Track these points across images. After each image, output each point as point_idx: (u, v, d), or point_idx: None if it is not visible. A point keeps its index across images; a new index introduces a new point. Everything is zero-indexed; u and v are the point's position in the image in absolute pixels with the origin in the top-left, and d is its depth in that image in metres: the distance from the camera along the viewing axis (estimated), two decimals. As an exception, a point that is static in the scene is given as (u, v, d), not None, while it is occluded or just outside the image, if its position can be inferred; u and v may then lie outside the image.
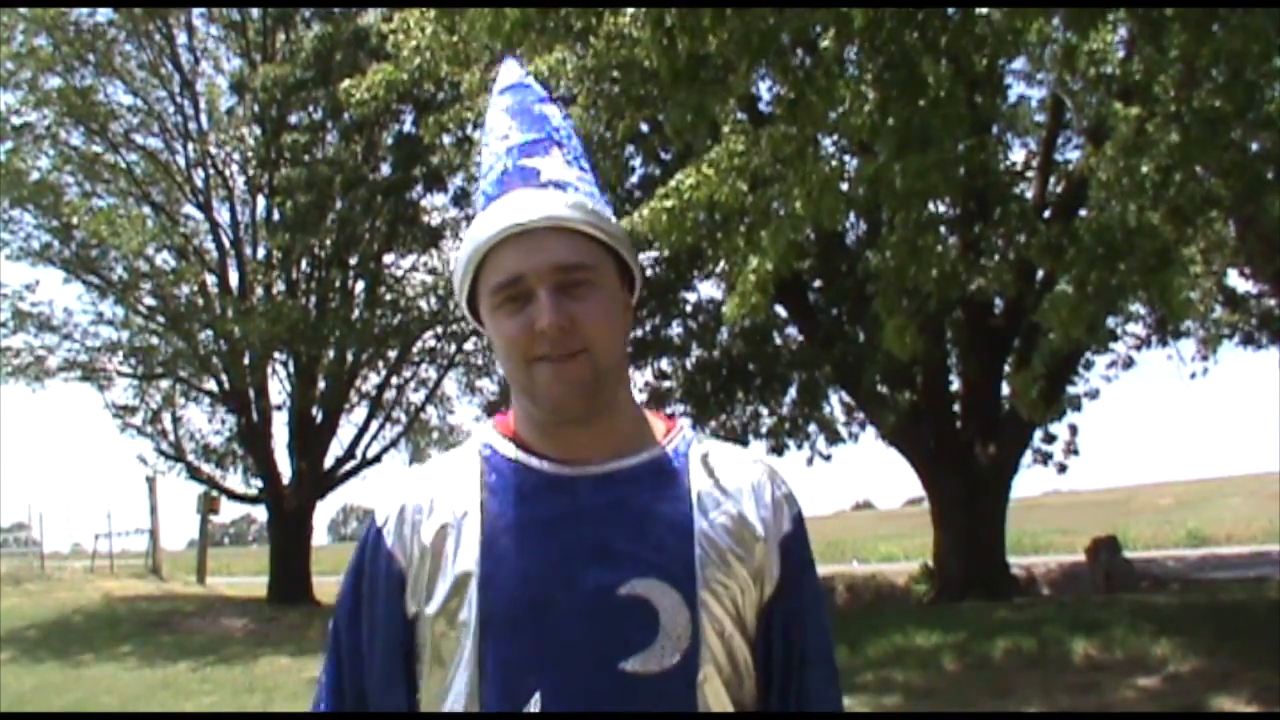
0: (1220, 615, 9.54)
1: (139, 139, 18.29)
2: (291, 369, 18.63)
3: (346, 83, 11.78)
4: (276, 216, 17.66)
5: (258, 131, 18.05)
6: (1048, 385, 10.53)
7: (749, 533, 1.35)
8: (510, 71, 1.53)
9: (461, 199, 18.30)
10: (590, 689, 1.26)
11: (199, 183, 18.24)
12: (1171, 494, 40.66)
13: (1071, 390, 15.52)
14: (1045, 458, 16.47)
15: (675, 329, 17.42)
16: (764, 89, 11.62)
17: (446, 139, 14.02)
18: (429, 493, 1.39)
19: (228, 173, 18.55)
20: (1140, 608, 10.26)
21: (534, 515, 1.33)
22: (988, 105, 10.26)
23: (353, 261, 18.56)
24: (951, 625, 10.02)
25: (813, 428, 17.23)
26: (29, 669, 12.62)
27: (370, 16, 15.88)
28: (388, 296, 19.06)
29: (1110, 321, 14.48)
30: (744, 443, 16.68)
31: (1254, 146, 7.97)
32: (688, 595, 1.29)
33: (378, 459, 19.81)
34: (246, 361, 17.47)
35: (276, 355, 18.19)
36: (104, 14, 17.30)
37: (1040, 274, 11.06)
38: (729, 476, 1.39)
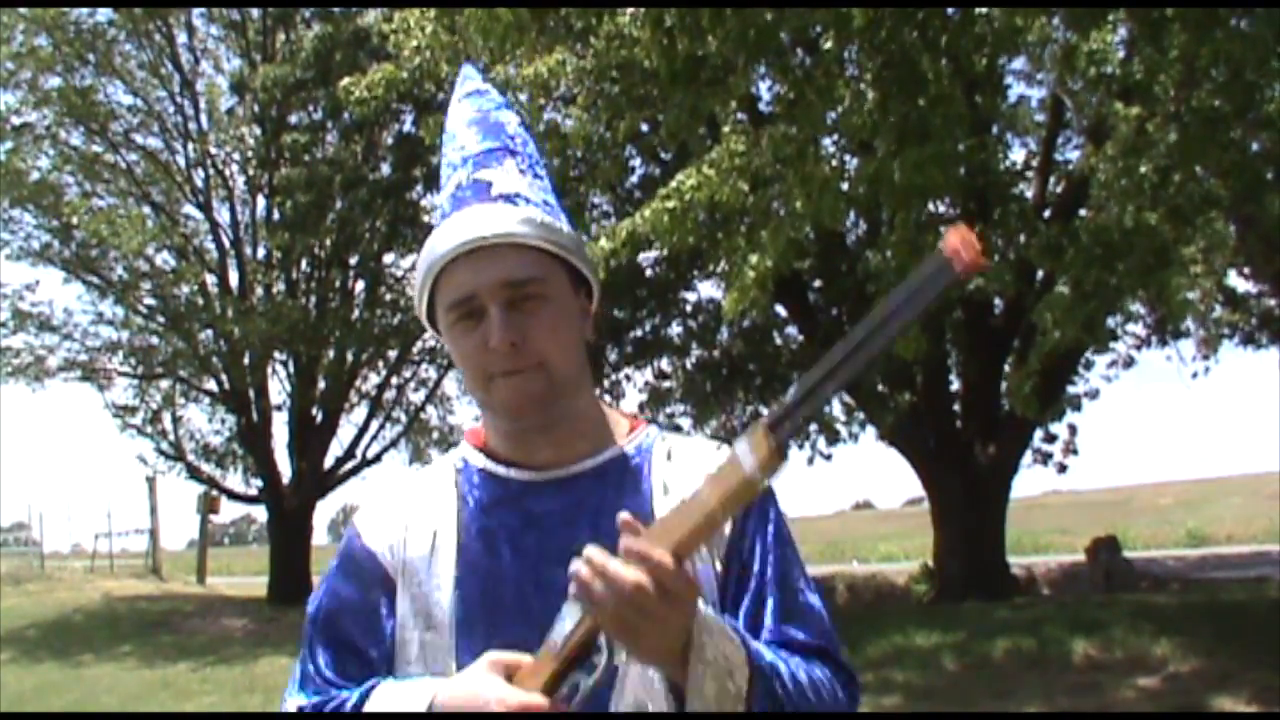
0: (1220, 615, 9.54)
1: (139, 139, 18.30)
2: (291, 369, 18.63)
3: (346, 81, 11.78)
4: (276, 216, 17.66)
5: (258, 131, 18.05)
6: (1044, 383, 10.52)
7: None
8: (467, 79, 1.55)
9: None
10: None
11: (199, 183, 18.24)
12: (1171, 494, 40.67)
13: (1071, 390, 15.51)
14: (1045, 458, 16.47)
15: (675, 329, 17.43)
16: (764, 89, 11.63)
17: (446, 139, 14.00)
18: (407, 501, 1.45)
19: (228, 173, 18.56)
20: (1140, 608, 10.26)
21: (504, 522, 1.39)
22: (988, 105, 10.27)
23: (353, 261, 18.56)
24: (951, 625, 10.02)
25: (813, 427, 17.22)
26: (29, 669, 12.63)
27: (370, 16, 15.88)
28: (388, 296, 19.06)
29: (1110, 321, 14.47)
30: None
31: (1254, 146, 7.97)
32: None
33: (378, 459, 19.83)
34: (246, 361, 17.47)
35: (276, 355, 18.19)
36: (104, 14, 17.31)
37: (1040, 274, 11.06)
38: (691, 464, 1.41)
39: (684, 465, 1.42)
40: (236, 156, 18.71)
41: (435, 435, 21.74)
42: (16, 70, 16.53)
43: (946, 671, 8.88)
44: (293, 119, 17.54)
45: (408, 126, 17.15)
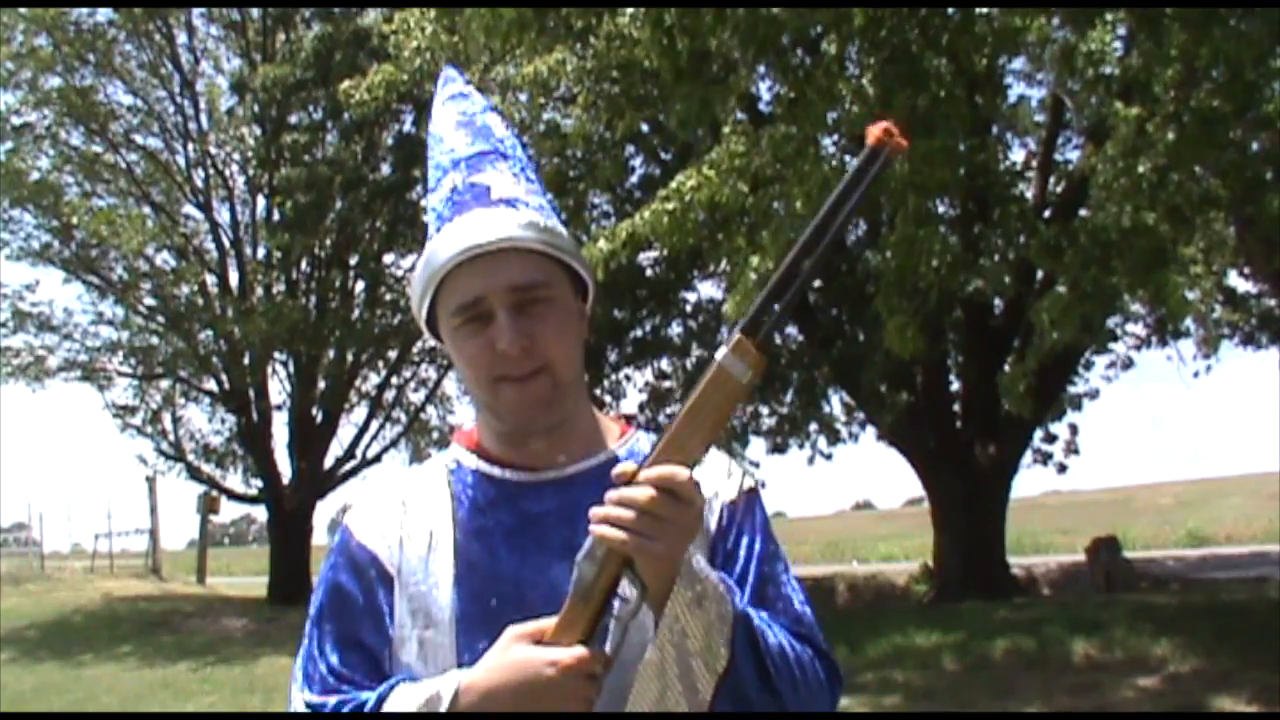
0: (1220, 615, 9.54)
1: (139, 139, 18.31)
2: (291, 369, 18.63)
3: (346, 83, 11.79)
4: (276, 216, 17.66)
5: (258, 131, 18.05)
6: (1041, 383, 10.52)
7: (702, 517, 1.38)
8: (449, 82, 1.55)
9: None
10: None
11: (199, 183, 18.24)
12: (1171, 494, 40.68)
13: (1071, 390, 15.53)
14: (1045, 458, 16.49)
15: (675, 329, 17.43)
16: (764, 89, 11.63)
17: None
18: (400, 502, 1.45)
19: (228, 173, 18.57)
20: (1140, 608, 10.26)
21: (500, 521, 1.40)
22: (988, 105, 10.25)
23: (353, 261, 18.57)
24: (951, 625, 10.02)
25: (813, 427, 17.24)
26: (29, 669, 12.63)
27: (370, 17, 15.89)
28: (388, 296, 19.05)
29: (1110, 321, 14.47)
30: (744, 442, 16.72)
31: (1253, 146, 7.96)
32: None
33: (378, 459, 19.84)
34: (246, 361, 17.48)
35: (276, 355, 18.19)
36: (104, 14, 17.32)
37: (1040, 274, 11.06)
38: None
39: None
40: (236, 156, 18.73)
41: (435, 435, 21.73)
42: (16, 70, 16.54)
43: (946, 671, 8.88)
44: (293, 119, 17.54)
45: (408, 127, 17.18)
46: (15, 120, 16.94)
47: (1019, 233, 9.94)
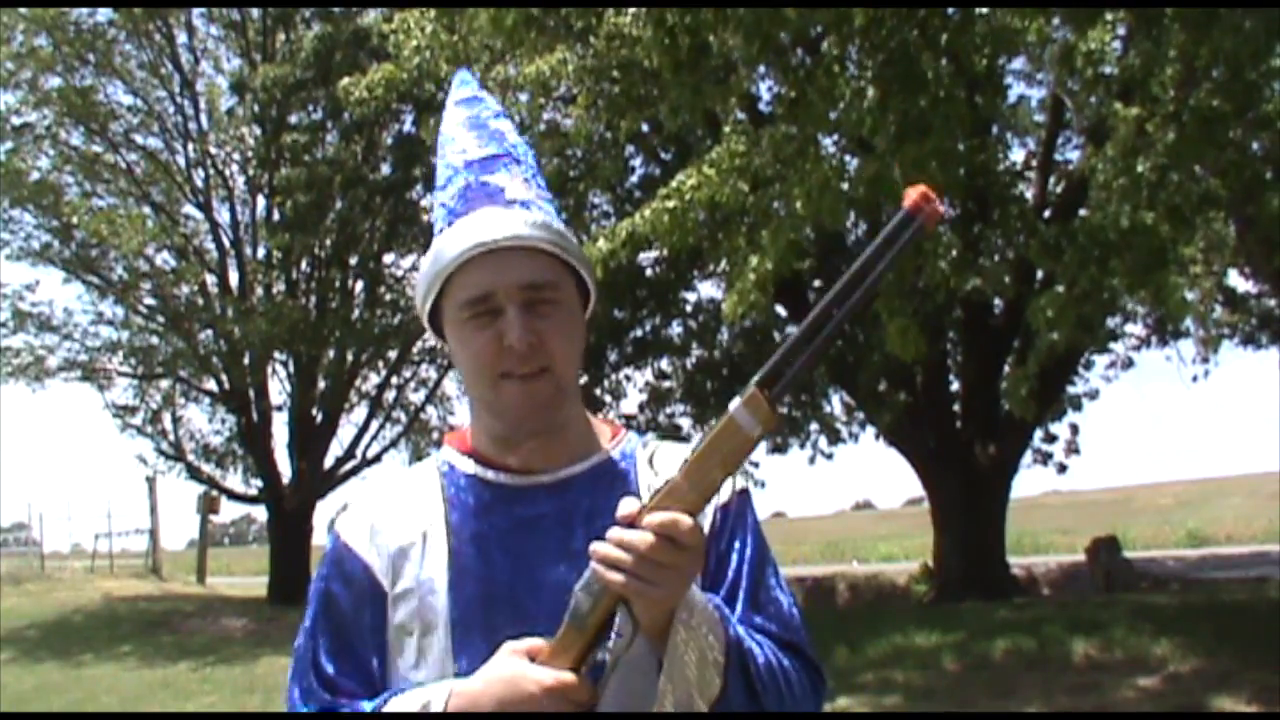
0: (1220, 615, 9.54)
1: (139, 139, 18.31)
2: (291, 369, 18.63)
3: (345, 81, 11.79)
4: (276, 216, 17.66)
5: (258, 131, 18.05)
6: (1042, 384, 10.52)
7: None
8: (463, 84, 1.56)
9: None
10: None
11: (199, 183, 18.25)
12: (1171, 494, 40.69)
13: (1071, 390, 15.53)
14: (1045, 458, 16.49)
15: (675, 329, 17.42)
16: (764, 89, 11.63)
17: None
18: (392, 506, 1.45)
19: (228, 173, 18.57)
20: (1140, 608, 10.26)
21: (495, 525, 1.40)
22: (988, 105, 10.25)
23: (353, 261, 18.56)
24: (951, 625, 10.02)
25: (813, 427, 17.24)
26: (29, 669, 12.63)
27: (370, 16, 15.89)
28: (388, 296, 19.06)
29: (1110, 322, 14.48)
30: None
31: (1253, 146, 7.96)
32: None
33: (378, 459, 19.83)
34: (246, 361, 17.47)
35: (276, 355, 18.19)
36: (104, 14, 17.32)
37: (1040, 275, 11.06)
38: (674, 468, 1.42)
39: (666, 468, 1.42)
40: (236, 156, 18.73)
41: (435, 435, 21.72)
42: (16, 70, 16.54)
43: (946, 671, 8.88)
44: (293, 119, 17.53)
45: (408, 126, 17.16)
46: (15, 120, 16.95)
47: (1019, 233, 9.95)
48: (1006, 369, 13.08)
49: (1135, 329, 16.72)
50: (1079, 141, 13.45)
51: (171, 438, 19.31)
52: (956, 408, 13.98)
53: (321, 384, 18.88)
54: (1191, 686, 7.74)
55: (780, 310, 14.69)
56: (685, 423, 17.35)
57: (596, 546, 1.23)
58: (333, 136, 17.74)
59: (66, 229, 16.98)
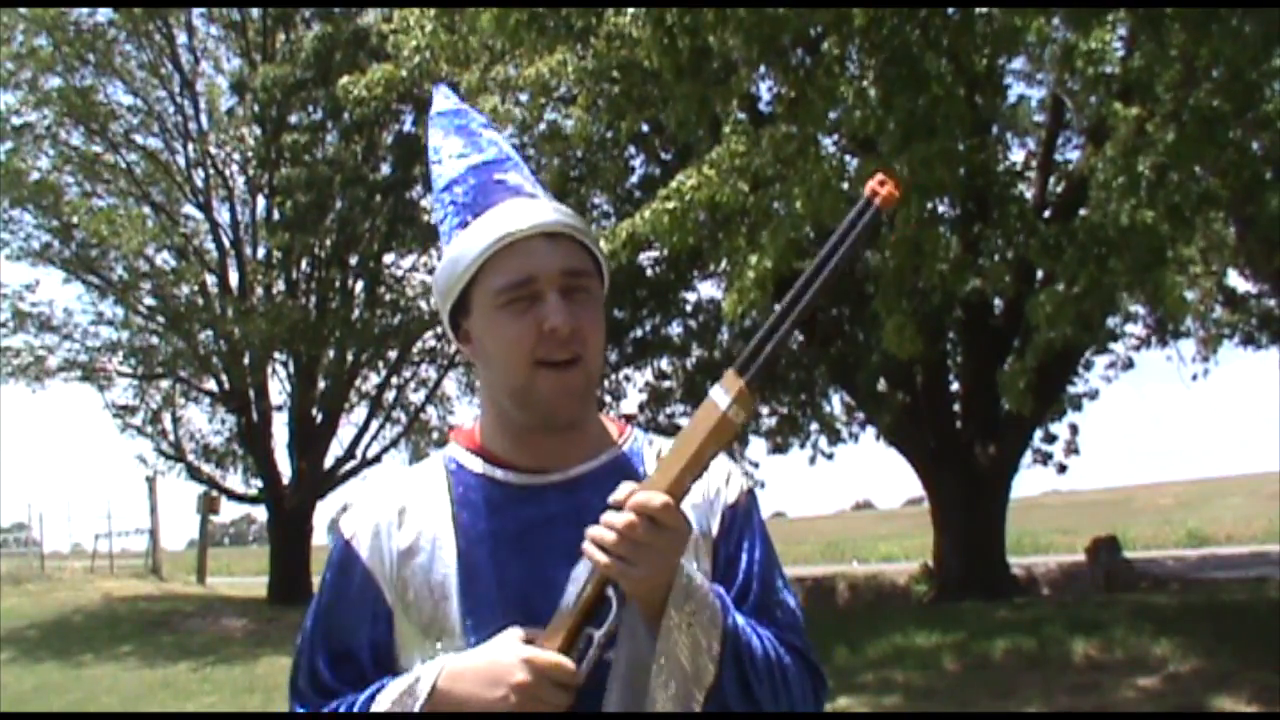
0: (1220, 615, 9.54)
1: (139, 139, 18.30)
2: (291, 369, 18.62)
3: (345, 80, 11.78)
4: (276, 216, 17.65)
5: (258, 131, 18.04)
6: (1040, 382, 10.52)
7: (702, 516, 1.41)
8: (444, 98, 1.56)
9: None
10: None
11: (199, 183, 18.24)
12: (1171, 494, 40.70)
13: (1071, 390, 15.52)
14: (1045, 458, 16.48)
15: (675, 329, 17.42)
16: (764, 89, 11.63)
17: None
18: (398, 507, 1.43)
19: (228, 173, 18.56)
20: (1140, 608, 10.26)
21: (505, 525, 1.38)
22: (988, 105, 10.27)
23: (353, 261, 18.55)
24: (951, 625, 10.02)
25: (813, 427, 17.24)
26: (29, 669, 12.62)
27: (370, 16, 15.89)
28: (388, 296, 19.06)
29: (1110, 321, 14.47)
30: (744, 441, 16.72)
31: (1253, 146, 7.96)
32: None
33: (378, 459, 19.82)
34: (246, 361, 17.47)
35: (276, 355, 18.18)
36: (104, 14, 17.32)
37: (1041, 274, 11.06)
38: None
39: None
40: (236, 156, 18.72)
41: (435, 435, 21.73)
42: (16, 70, 16.53)
43: (946, 671, 8.88)
44: (293, 119, 17.52)
45: (408, 126, 17.17)
46: (15, 120, 16.94)
47: (1019, 232, 9.95)
48: (1006, 368, 13.08)
49: (1135, 329, 16.74)
50: (1079, 141, 13.45)
51: (171, 438, 19.31)
52: (956, 408, 13.98)
53: (321, 384, 18.87)
54: (1191, 686, 7.74)
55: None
56: (685, 423, 17.32)
57: (589, 529, 1.25)
58: (333, 136, 17.74)
59: (66, 229, 16.98)
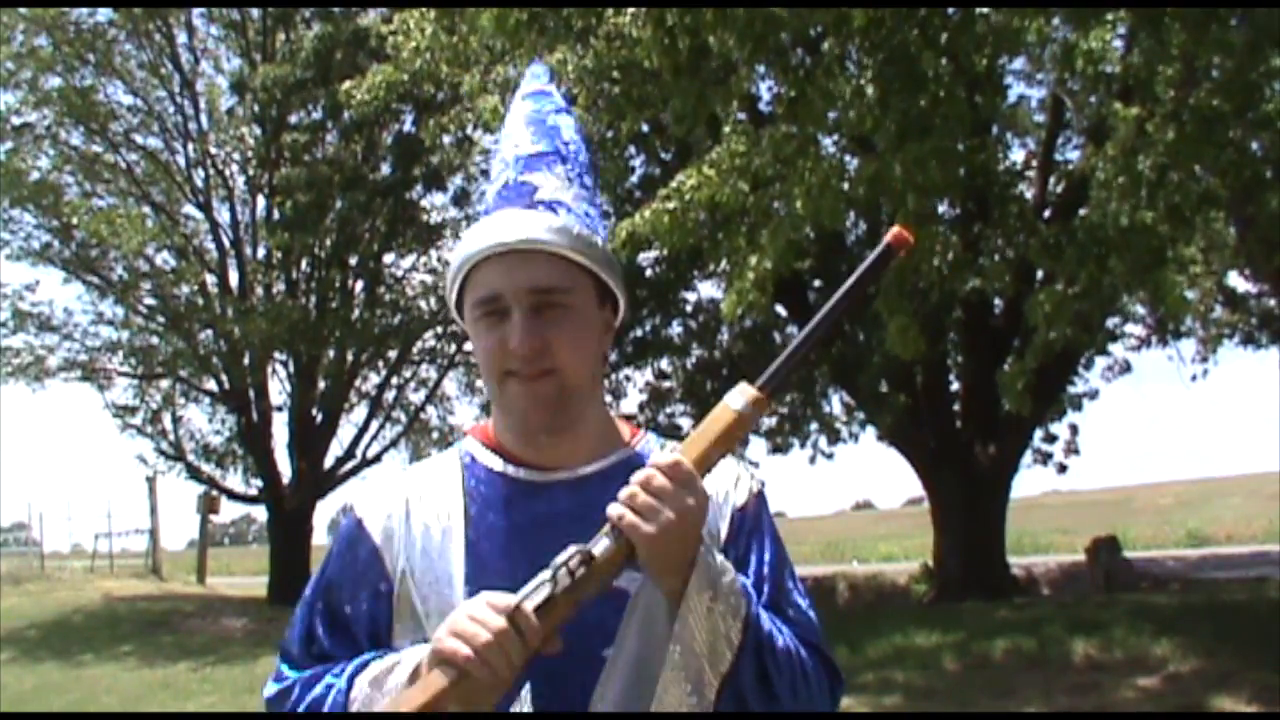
0: (1220, 615, 9.54)
1: (139, 139, 18.31)
2: (291, 369, 18.63)
3: (347, 84, 11.78)
4: (276, 216, 17.65)
5: (258, 131, 18.05)
6: (1040, 382, 10.52)
7: (711, 519, 1.40)
8: (534, 78, 1.58)
9: (461, 199, 18.33)
10: (576, 677, 1.31)
11: (199, 183, 18.25)
12: (1171, 494, 40.70)
13: (1071, 390, 15.53)
14: (1045, 458, 16.48)
15: (675, 329, 17.43)
16: (764, 89, 11.63)
17: (446, 139, 14.05)
18: (410, 495, 1.45)
19: (228, 173, 18.57)
20: (1140, 608, 10.26)
21: (515, 520, 1.40)
22: (988, 105, 10.25)
23: (353, 261, 18.56)
24: (951, 625, 10.02)
25: (813, 427, 17.24)
26: (29, 669, 12.63)
27: (370, 17, 15.89)
28: (388, 296, 19.06)
29: (1110, 322, 14.47)
30: (744, 441, 16.72)
31: (1253, 146, 7.96)
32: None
33: (378, 459, 19.83)
34: (246, 361, 17.47)
35: (276, 355, 18.19)
36: (104, 14, 17.33)
37: (1041, 274, 11.06)
38: None
39: None
40: (236, 156, 18.73)
41: (435, 435, 21.74)
42: (16, 70, 16.54)
43: (946, 671, 8.88)
44: (293, 119, 17.53)
45: (408, 127, 17.17)
46: (15, 120, 16.95)
47: (1019, 232, 9.95)
48: (1006, 368, 13.08)
49: (1135, 329, 16.74)
50: (1079, 141, 13.45)
51: (171, 438, 19.31)
52: (956, 408, 13.98)
53: (321, 384, 18.87)
54: (1191, 686, 7.74)
55: (780, 310, 14.70)
56: (685, 423, 17.35)
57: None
58: (333, 136, 17.75)
59: (66, 229, 16.99)
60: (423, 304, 18.77)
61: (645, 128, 11.57)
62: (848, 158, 9.60)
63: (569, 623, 1.25)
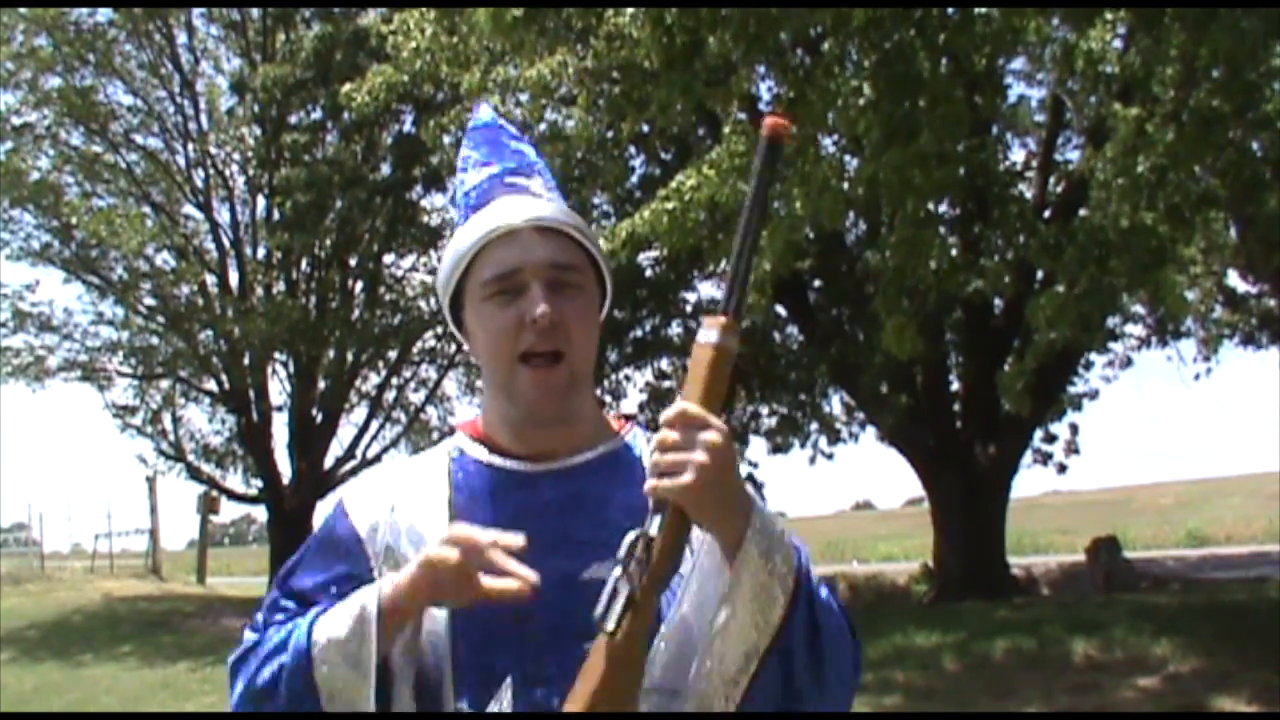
0: (1220, 615, 9.54)
1: (139, 139, 18.32)
2: (291, 369, 18.63)
3: (347, 86, 11.79)
4: (276, 216, 17.66)
5: (258, 131, 18.06)
6: (1040, 382, 10.52)
7: None
8: (483, 112, 1.59)
9: (462, 199, 18.31)
10: (558, 669, 1.30)
11: (199, 183, 18.25)
12: (1171, 494, 40.69)
13: (1071, 390, 15.53)
14: (1045, 458, 16.47)
15: (675, 329, 17.42)
16: (764, 89, 11.63)
17: (446, 139, 14.04)
18: (398, 489, 1.46)
19: (228, 173, 18.57)
20: (1140, 608, 10.26)
21: (500, 511, 1.39)
22: (988, 105, 10.26)
23: (353, 261, 18.56)
24: (951, 625, 10.02)
25: (813, 427, 17.23)
26: (29, 669, 12.63)
27: (370, 17, 15.89)
28: (388, 296, 19.06)
29: (1110, 322, 14.47)
30: (744, 442, 16.71)
31: (1253, 146, 7.96)
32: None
33: (378, 459, 19.79)
34: (246, 361, 17.48)
35: (276, 355, 18.19)
36: (104, 14, 17.33)
37: (1041, 275, 11.06)
38: None
39: None
40: (236, 156, 18.73)
41: (435, 435, 21.73)
42: (16, 70, 16.54)
43: (946, 671, 8.89)
44: (293, 119, 17.53)
45: (408, 127, 17.16)
46: (15, 120, 16.95)
47: (1019, 233, 9.96)
48: (1006, 368, 13.09)
49: (1135, 329, 16.74)
50: (1079, 141, 13.45)
51: (171, 438, 19.31)
52: (956, 408, 13.98)
53: (321, 384, 18.88)
54: (1191, 686, 7.75)
55: (780, 310, 14.70)
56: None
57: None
58: (333, 136, 17.75)
59: (66, 229, 16.98)
60: (423, 304, 18.75)
61: (645, 128, 11.57)
62: (847, 158, 9.61)
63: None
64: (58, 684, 11.73)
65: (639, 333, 16.75)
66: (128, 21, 17.29)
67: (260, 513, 26.83)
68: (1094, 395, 16.59)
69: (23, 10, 16.15)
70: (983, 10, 7.47)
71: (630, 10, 8.11)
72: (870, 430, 16.40)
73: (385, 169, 17.97)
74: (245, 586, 21.21)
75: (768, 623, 1.24)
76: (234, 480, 19.78)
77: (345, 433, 19.70)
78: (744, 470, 1.53)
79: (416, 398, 20.72)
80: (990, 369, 13.15)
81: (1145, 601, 11.10)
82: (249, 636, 1.41)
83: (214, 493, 20.39)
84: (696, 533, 1.28)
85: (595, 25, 8.81)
